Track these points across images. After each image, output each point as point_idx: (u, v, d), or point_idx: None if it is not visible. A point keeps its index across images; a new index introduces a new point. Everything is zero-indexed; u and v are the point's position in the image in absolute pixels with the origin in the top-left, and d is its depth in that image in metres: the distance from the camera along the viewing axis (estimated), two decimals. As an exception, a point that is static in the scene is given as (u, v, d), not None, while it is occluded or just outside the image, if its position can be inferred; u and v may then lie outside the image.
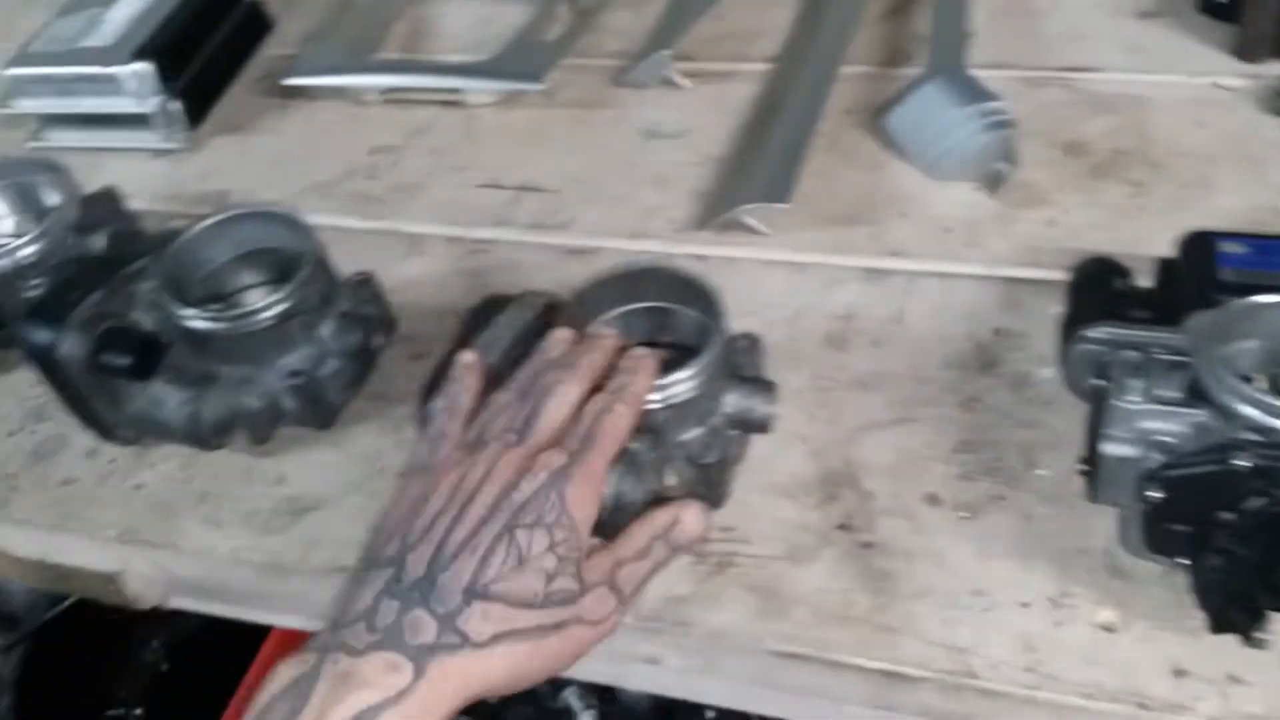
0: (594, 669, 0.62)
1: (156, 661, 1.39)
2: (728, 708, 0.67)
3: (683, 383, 0.51)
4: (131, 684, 1.36)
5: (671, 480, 0.54)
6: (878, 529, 0.55)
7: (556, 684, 0.90)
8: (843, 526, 0.55)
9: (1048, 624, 0.50)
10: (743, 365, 0.55)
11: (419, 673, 0.40)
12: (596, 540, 0.47)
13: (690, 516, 0.48)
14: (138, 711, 1.36)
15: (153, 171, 0.85)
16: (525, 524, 0.43)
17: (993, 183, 0.69)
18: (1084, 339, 0.52)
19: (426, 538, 0.43)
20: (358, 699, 0.39)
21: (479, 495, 0.44)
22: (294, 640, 1.09)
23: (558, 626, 0.43)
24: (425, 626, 0.41)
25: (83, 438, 0.66)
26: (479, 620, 0.41)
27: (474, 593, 0.41)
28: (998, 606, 0.51)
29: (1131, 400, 0.48)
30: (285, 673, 0.41)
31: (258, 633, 1.13)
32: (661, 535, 0.47)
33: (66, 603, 1.36)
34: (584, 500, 0.45)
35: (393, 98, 0.87)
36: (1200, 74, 0.77)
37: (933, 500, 0.55)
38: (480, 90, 0.84)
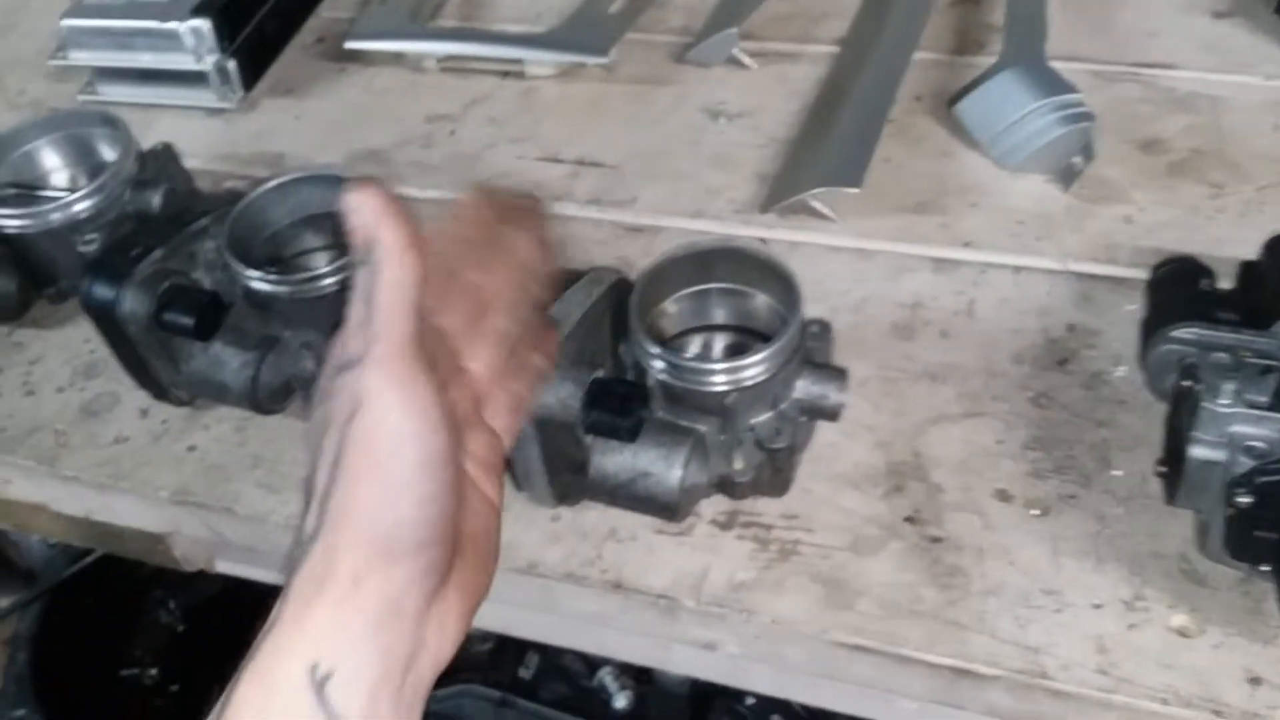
0: (636, 649, 0.62)
1: (173, 623, 1.40)
2: (770, 695, 0.67)
3: (754, 366, 0.50)
4: (147, 644, 1.36)
5: (739, 464, 0.53)
6: (946, 523, 0.54)
7: (592, 663, 0.89)
8: (910, 519, 0.54)
9: (1121, 626, 0.49)
10: (814, 351, 0.54)
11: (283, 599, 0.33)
12: None
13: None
14: (153, 672, 1.36)
15: (206, 130, 0.84)
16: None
17: (1067, 176, 0.68)
18: (1169, 339, 0.51)
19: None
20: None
21: None
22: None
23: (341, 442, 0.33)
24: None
25: (135, 397, 0.65)
26: (309, 515, 0.34)
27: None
28: (1070, 607, 0.50)
29: (1223, 403, 0.46)
30: None
31: (274, 596, 1.13)
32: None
33: (86, 560, 1.36)
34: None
35: (450, 66, 0.86)
36: (1276, 76, 0.75)
37: (1003, 496, 0.55)
38: (543, 61, 0.83)
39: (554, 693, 0.89)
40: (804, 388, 0.53)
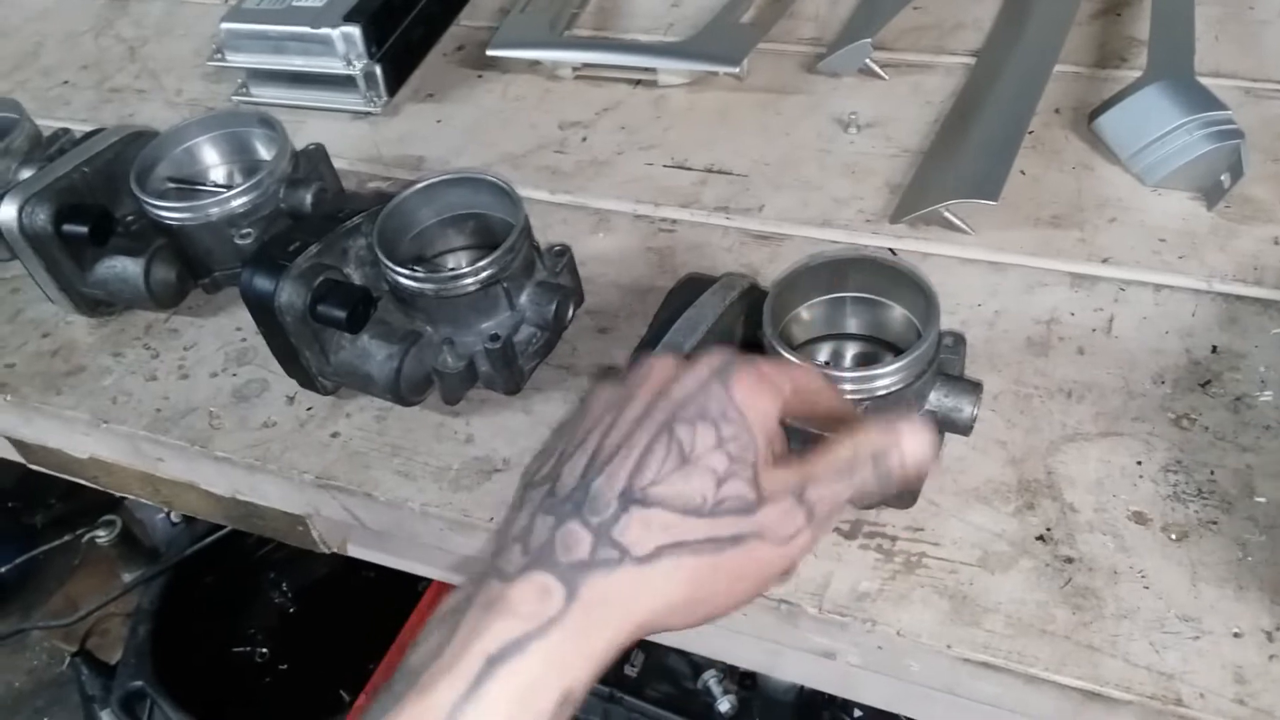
0: (746, 653, 0.62)
1: (284, 604, 1.45)
2: (881, 709, 0.66)
3: (887, 376, 0.50)
4: (260, 623, 1.42)
5: None
6: (1079, 544, 0.53)
7: (696, 665, 0.90)
8: (1042, 538, 0.54)
9: (1261, 657, 0.48)
10: (947, 363, 0.54)
11: (571, 595, 0.34)
12: (784, 449, 0.41)
13: (913, 441, 0.40)
14: (264, 650, 1.42)
15: (351, 132, 0.88)
16: (686, 419, 0.37)
17: (1213, 195, 0.66)
18: (1325, 365, 0.50)
19: (582, 447, 0.38)
20: (501, 630, 0.34)
21: (635, 397, 0.39)
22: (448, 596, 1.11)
23: (734, 540, 0.36)
24: (579, 541, 0.35)
25: (283, 384, 0.68)
26: (639, 529, 0.35)
27: (630, 497, 0.36)
28: (1208, 634, 0.49)
29: (1384, 433, 0.45)
30: (446, 602, 0.37)
31: (387, 585, 1.15)
32: (871, 457, 0.40)
33: (207, 540, 1.42)
34: (754, 394, 0.39)
35: (585, 74, 0.88)
36: None
37: (1140, 519, 0.54)
38: (675, 70, 0.84)
39: (659, 692, 0.90)
40: (937, 400, 0.53)
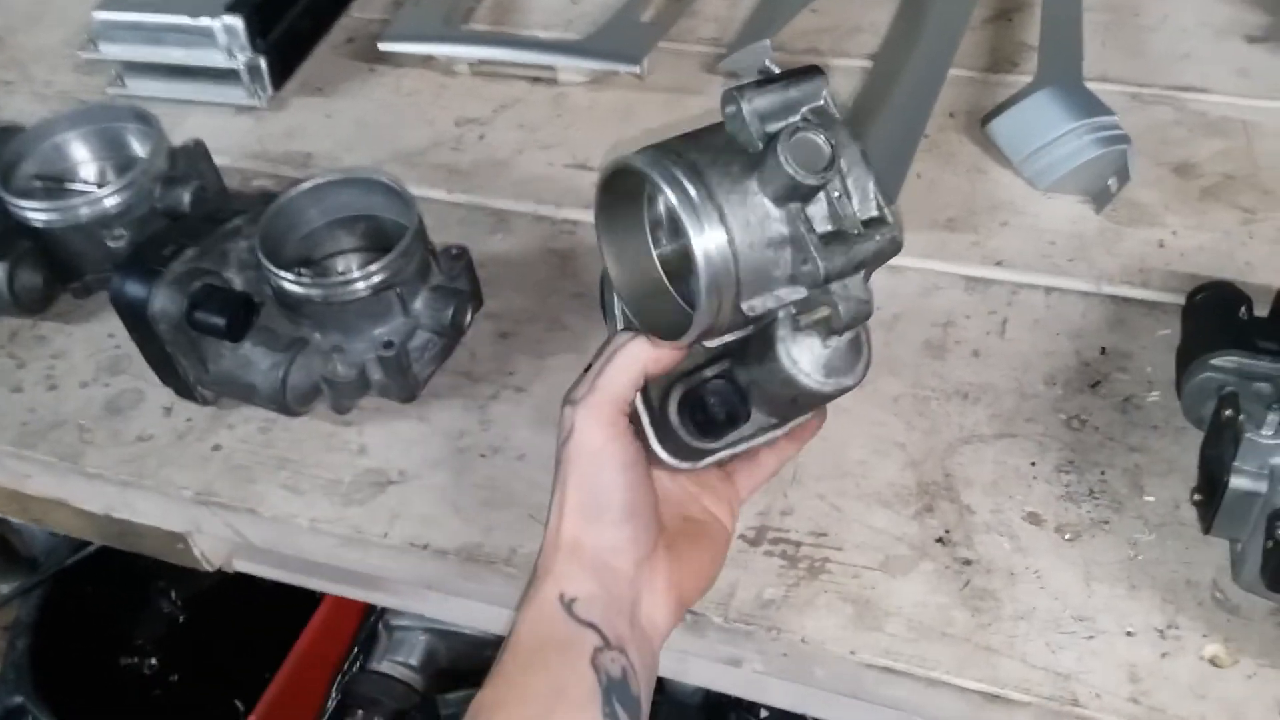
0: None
1: (174, 613, 1.39)
2: (785, 710, 0.66)
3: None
4: (148, 633, 1.36)
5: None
6: (977, 545, 0.54)
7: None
8: (941, 540, 0.54)
9: (1154, 655, 0.49)
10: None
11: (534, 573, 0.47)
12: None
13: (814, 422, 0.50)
14: (153, 661, 1.36)
15: (235, 128, 0.84)
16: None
17: (1101, 198, 0.68)
18: (1209, 367, 0.51)
19: None
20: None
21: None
22: (347, 606, 1.07)
23: (557, 466, 0.47)
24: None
25: (160, 394, 0.65)
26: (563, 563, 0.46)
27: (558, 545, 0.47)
28: (1102, 634, 0.50)
29: (1265, 435, 0.46)
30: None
31: (284, 591, 1.12)
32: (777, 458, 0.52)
33: (88, 549, 1.36)
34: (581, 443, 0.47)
35: (481, 70, 0.86)
36: (1311, 101, 0.75)
37: (1034, 519, 0.54)
38: (575, 68, 0.83)
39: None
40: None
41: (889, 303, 0.65)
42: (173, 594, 1.39)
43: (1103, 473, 0.56)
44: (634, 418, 0.46)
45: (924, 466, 0.57)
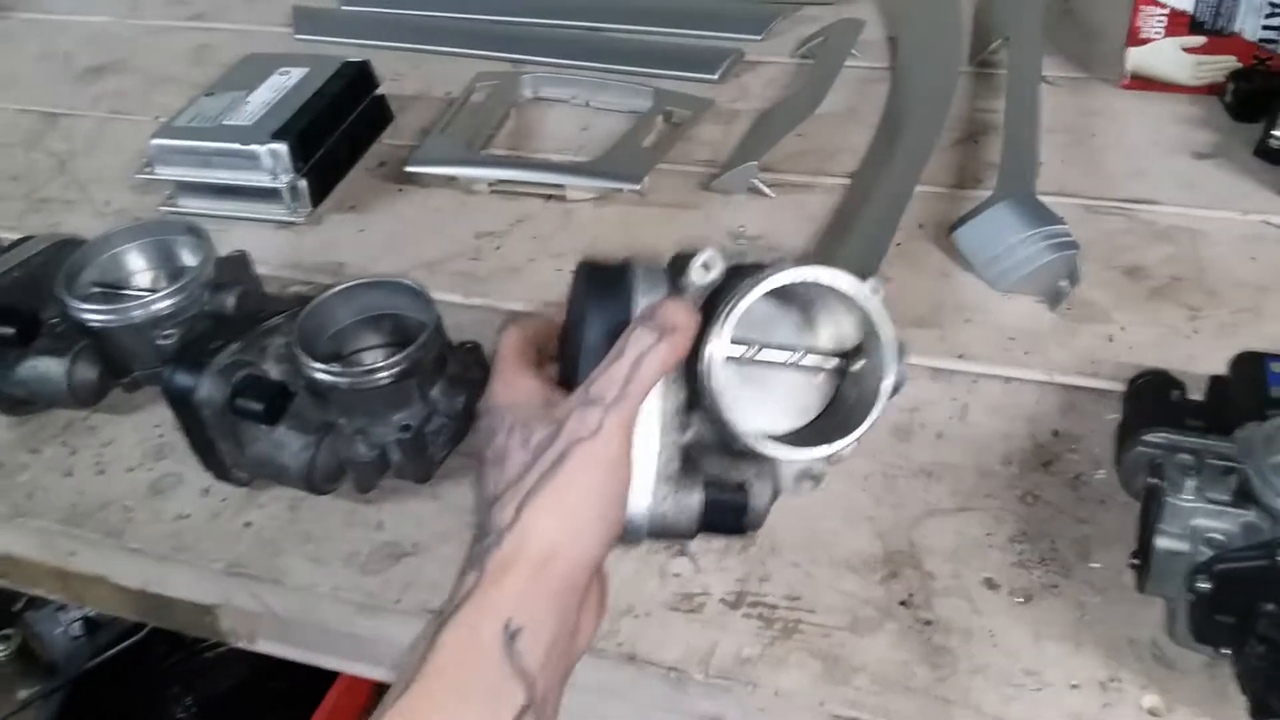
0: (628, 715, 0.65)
1: (188, 719, 1.41)
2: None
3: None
4: (164, 740, 1.37)
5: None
6: (937, 607, 0.58)
7: None
8: (904, 603, 0.59)
9: (1096, 705, 0.53)
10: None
11: (481, 572, 0.43)
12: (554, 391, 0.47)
13: (670, 305, 0.45)
14: (168, 766, 1.37)
15: (276, 241, 0.93)
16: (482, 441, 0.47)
17: (1055, 298, 0.74)
18: (1141, 442, 0.56)
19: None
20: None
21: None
22: (360, 688, 1.10)
23: (559, 460, 0.43)
24: (480, 540, 0.44)
25: (199, 477, 0.71)
26: (498, 512, 0.44)
27: (489, 501, 0.45)
28: (1049, 686, 0.54)
29: (1185, 498, 0.52)
30: None
31: (294, 697, 1.15)
32: (631, 337, 0.44)
33: (106, 654, 1.39)
34: (505, 382, 0.48)
35: (499, 189, 0.95)
36: (1253, 211, 0.82)
37: (990, 584, 0.59)
38: (582, 187, 0.91)
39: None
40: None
41: (861, 392, 0.71)
42: (188, 700, 1.42)
43: (1053, 542, 0.61)
44: None
45: (890, 537, 0.62)
